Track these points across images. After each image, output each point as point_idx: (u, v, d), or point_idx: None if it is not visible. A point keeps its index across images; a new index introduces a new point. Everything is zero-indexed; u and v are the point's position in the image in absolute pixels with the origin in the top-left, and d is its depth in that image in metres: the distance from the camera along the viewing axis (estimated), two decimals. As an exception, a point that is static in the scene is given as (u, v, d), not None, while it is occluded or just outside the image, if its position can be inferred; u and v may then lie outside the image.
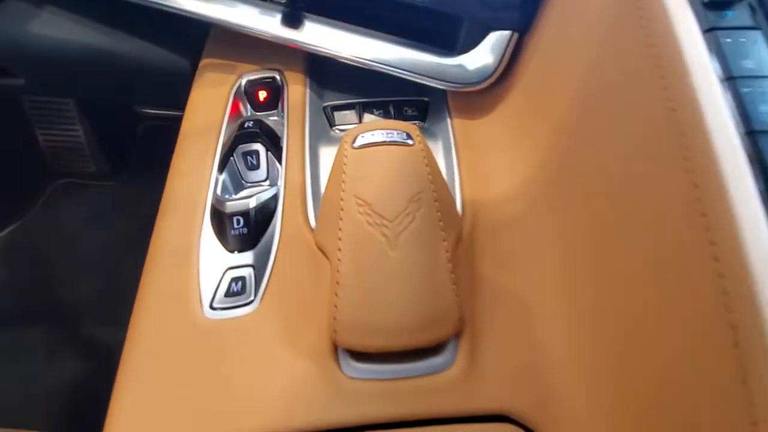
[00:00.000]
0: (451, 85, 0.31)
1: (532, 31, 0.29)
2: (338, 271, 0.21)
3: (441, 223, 0.22)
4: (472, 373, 0.21)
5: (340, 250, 0.21)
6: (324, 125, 0.34)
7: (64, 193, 0.92)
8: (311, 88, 0.35)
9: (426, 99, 0.35)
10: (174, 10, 0.35)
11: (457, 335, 0.21)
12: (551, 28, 0.27)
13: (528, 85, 0.28)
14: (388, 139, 0.24)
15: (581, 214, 0.22)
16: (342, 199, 0.22)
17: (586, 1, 0.24)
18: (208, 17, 0.34)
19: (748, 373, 0.13)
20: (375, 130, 0.25)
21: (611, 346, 0.19)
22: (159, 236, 0.27)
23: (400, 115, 0.34)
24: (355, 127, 0.25)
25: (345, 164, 0.24)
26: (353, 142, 0.24)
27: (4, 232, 0.85)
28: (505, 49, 0.29)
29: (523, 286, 0.24)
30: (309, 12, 0.33)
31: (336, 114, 0.34)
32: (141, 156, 0.86)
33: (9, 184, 0.83)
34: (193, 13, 0.34)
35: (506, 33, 0.29)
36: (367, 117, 0.34)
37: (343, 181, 0.23)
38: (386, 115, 0.34)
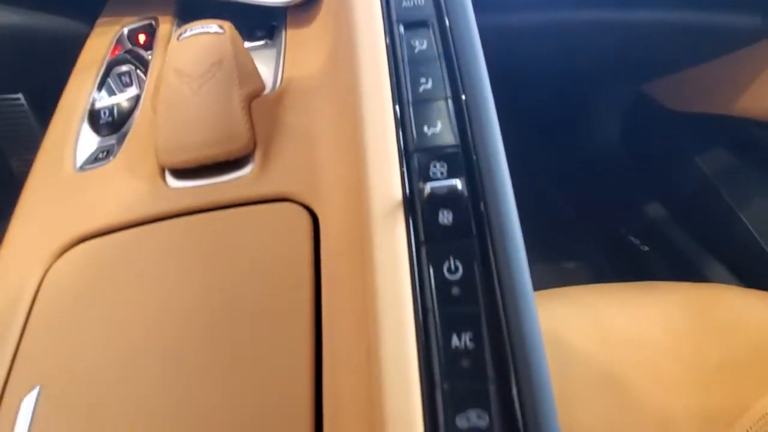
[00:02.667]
0: (275, 2, 0.39)
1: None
2: (155, 114, 0.29)
3: (237, 80, 0.30)
4: (263, 175, 0.28)
5: (158, 103, 0.29)
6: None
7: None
8: (178, 25, 0.43)
9: (274, 24, 0.42)
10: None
11: (253, 154, 0.29)
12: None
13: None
14: (203, 31, 0.32)
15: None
16: (163, 72, 0.30)
17: None
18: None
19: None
20: (196, 26, 0.33)
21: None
22: (47, 135, 0.34)
23: (252, 37, 0.42)
24: (185, 26, 0.33)
25: (170, 49, 0.31)
26: (179, 36, 0.32)
27: None
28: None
29: (312, 124, 0.31)
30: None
31: (198, 41, 0.42)
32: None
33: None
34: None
35: (309, -47, 0.37)
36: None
37: (166, 61, 0.31)
38: (239, 38, 0.42)
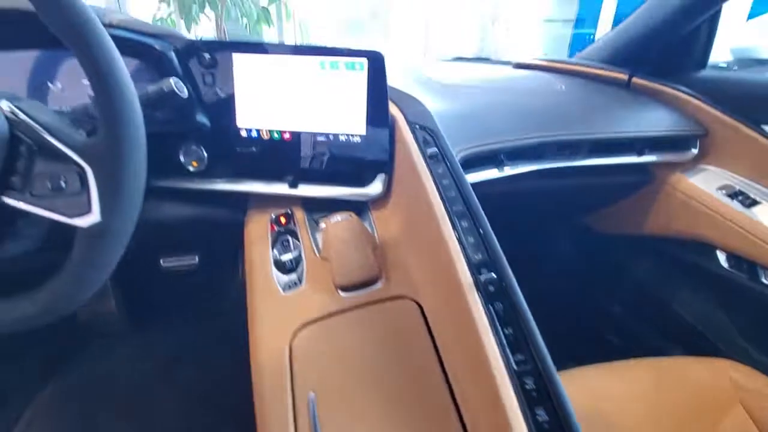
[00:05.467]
0: (362, 197, 0.72)
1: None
2: (331, 260, 0.57)
3: (369, 242, 0.59)
4: (387, 287, 0.55)
5: (330, 255, 0.58)
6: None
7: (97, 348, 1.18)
8: (307, 212, 0.74)
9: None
10: (222, 191, 0.75)
11: (381, 277, 0.56)
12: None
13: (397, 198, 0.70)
14: (344, 218, 0.63)
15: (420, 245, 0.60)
16: (331, 240, 0.60)
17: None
18: (247, 191, 0.75)
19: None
20: (335, 215, 0.64)
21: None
22: (252, 275, 0.61)
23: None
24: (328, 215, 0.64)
25: (328, 228, 0.61)
26: (329, 221, 0.63)
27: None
28: (386, 182, 0.71)
29: (407, 257, 0.60)
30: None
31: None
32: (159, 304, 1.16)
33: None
34: (236, 192, 0.75)
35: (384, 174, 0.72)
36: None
37: (329, 234, 0.60)
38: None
